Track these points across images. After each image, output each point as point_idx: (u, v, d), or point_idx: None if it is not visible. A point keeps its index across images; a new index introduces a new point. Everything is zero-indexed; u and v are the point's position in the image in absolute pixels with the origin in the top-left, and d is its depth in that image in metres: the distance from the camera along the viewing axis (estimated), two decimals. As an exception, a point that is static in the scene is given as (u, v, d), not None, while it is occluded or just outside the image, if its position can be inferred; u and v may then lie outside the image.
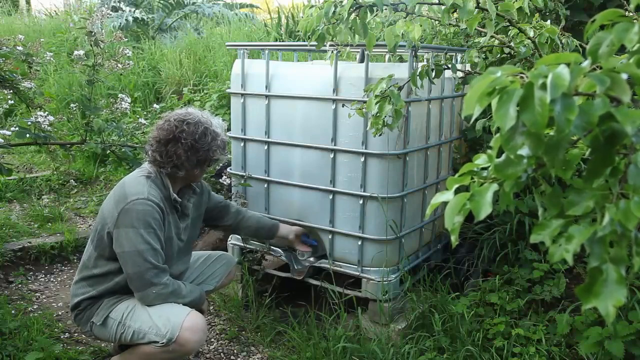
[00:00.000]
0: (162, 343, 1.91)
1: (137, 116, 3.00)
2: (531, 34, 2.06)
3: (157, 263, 1.95)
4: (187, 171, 2.05)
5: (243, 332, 2.66)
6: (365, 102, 1.94)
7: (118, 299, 2.06)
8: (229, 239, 2.87)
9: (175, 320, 1.92)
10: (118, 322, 2.00)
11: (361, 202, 2.36)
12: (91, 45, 2.74)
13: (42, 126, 2.57)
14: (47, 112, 2.62)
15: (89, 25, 2.70)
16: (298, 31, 2.91)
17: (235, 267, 2.56)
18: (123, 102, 2.92)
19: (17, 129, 2.60)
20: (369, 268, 2.41)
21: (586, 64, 0.73)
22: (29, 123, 2.62)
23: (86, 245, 2.14)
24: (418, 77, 2.00)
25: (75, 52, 2.84)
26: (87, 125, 2.88)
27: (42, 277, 3.19)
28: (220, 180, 2.96)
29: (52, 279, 3.18)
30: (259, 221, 2.50)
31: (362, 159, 2.32)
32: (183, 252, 2.20)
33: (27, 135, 2.60)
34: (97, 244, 2.06)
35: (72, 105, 3.03)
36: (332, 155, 2.39)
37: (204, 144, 2.01)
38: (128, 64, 2.93)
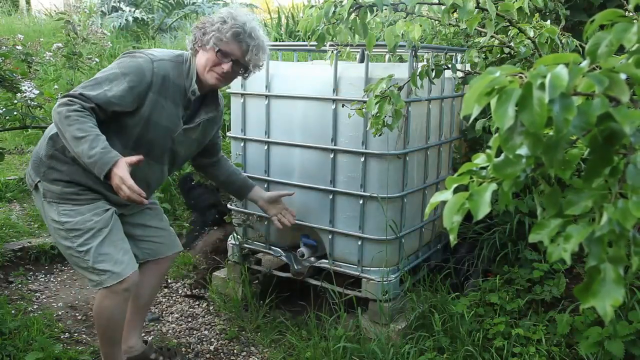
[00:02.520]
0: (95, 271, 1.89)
1: None
2: (531, 34, 2.06)
3: (88, 97, 1.81)
4: (198, 50, 1.97)
5: (243, 332, 2.66)
6: (365, 102, 1.95)
7: (88, 201, 1.93)
8: (229, 239, 2.87)
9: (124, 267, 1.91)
10: (65, 222, 1.91)
11: (361, 202, 2.36)
12: (69, 35, 2.78)
13: (28, 102, 2.53)
14: (32, 86, 2.59)
15: (67, 16, 2.76)
16: (298, 31, 2.92)
17: (171, 258, 2.34)
18: None
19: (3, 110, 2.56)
20: (369, 268, 2.42)
21: (585, 64, 0.73)
22: (16, 102, 2.60)
23: None
24: (418, 77, 1.99)
25: (55, 45, 2.87)
26: None
27: (42, 277, 3.19)
28: None
29: (52, 279, 3.18)
30: (231, 174, 2.38)
31: (362, 159, 2.32)
32: (166, 157, 2.05)
33: (15, 113, 2.57)
34: None
35: (55, 86, 3.05)
36: (332, 155, 2.39)
37: (219, 21, 1.93)
38: (106, 44, 2.97)
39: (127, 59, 1.91)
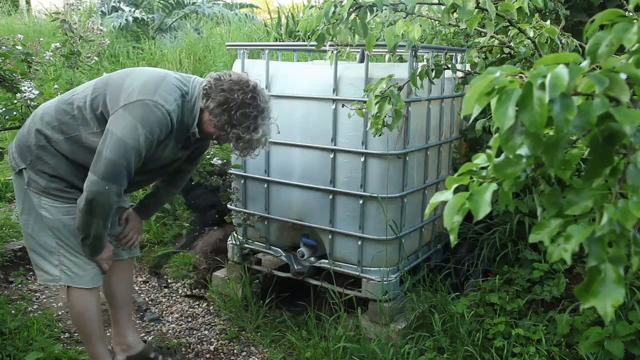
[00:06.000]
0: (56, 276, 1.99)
1: None
2: (531, 34, 2.06)
3: (130, 171, 1.88)
4: (209, 118, 1.96)
5: (243, 332, 2.67)
6: (365, 102, 1.95)
7: (69, 200, 1.96)
8: (229, 239, 2.87)
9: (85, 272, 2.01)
10: (43, 217, 1.96)
11: (361, 202, 2.36)
12: (66, 33, 2.77)
13: (28, 102, 2.53)
14: (32, 86, 2.59)
15: (62, 15, 2.76)
16: (298, 31, 2.92)
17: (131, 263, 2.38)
18: None
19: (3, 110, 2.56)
20: (369, 268, 2.41)
21: (585, 64, 0.73)
22: (16, 102, 2.60)
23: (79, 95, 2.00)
24: (418, 77, 2.00)
25: (53, 45, 2.87)
26: None
27: (42, 277, 3.19)
28: (211, 161, 2.97)
29: (52, 279, 3.18)
30: (160, 190, 2.34)
31: (362, 159, 2.32)
32: (155, 174, 2.17)
33: (15, 113, 2.57)
34: (92, 100, 1.95)
35: (55, 86, 3.06)
36: (332, 155, 2.39)
37: (243, 115, 1.93)
38: (104, 41, 2.98)
39: (146, 113, 1.87)
